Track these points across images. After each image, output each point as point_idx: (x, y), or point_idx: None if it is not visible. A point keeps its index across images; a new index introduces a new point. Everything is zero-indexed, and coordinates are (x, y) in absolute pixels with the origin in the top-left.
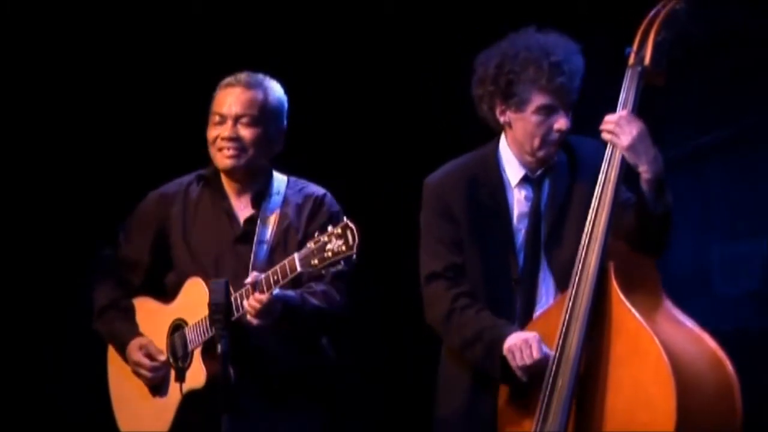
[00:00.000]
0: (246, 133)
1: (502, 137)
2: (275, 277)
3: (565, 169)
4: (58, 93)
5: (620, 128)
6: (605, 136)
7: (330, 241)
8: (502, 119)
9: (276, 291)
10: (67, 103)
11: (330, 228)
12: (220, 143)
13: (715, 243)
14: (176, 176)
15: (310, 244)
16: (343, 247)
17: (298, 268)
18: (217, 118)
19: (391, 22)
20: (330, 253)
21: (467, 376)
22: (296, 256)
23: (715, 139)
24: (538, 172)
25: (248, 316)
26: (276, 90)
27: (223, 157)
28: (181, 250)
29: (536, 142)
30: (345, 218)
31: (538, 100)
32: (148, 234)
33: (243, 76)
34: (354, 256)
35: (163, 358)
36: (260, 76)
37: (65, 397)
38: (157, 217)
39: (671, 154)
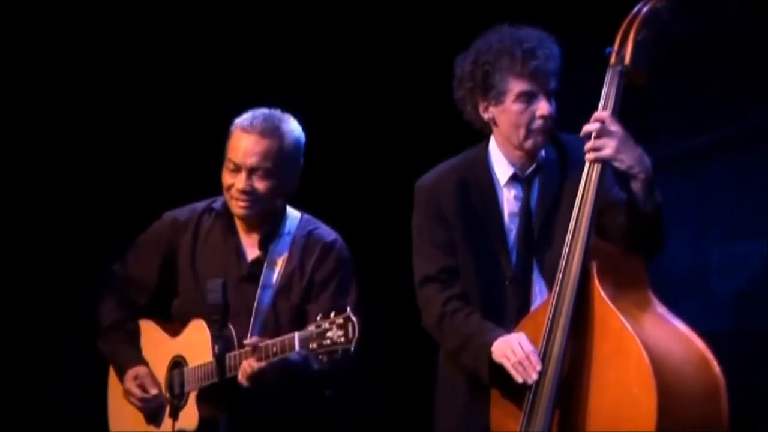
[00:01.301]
0: (261, 185)
1: (492, 137)
2: (274, 350)
3: (555, 166)
4: (63, 102)
5: (600, 141)
6: (589, 156)
7: (331, 329)
8: (486, 116)
9: (276, 361)
10: (70, 110)
11: (332, 315)
12: (234, 193)
13: (714, 243)
14: (179, 188)
15: (312, 328)
16: (342, 339)
17: (297, 348)
18: (231, 166)
19: (389, 23)
20: (329, 341)
21: (464, 377)
22: (297, 336)
23: (714, 139)
24: (528, 171)
25: (240, 377)
26: (292, 132)
27: (236, 207)
28: (188, 279)
29: (521, 132)
30: (348, 309)
31: (516, 87)
32: (157, 257)
33: (259, 121)
34: (351, 350)
35: (155, 392)
36: (276, 118)
37: (65, 397)
38: (168, 241)
39: (670, 155)
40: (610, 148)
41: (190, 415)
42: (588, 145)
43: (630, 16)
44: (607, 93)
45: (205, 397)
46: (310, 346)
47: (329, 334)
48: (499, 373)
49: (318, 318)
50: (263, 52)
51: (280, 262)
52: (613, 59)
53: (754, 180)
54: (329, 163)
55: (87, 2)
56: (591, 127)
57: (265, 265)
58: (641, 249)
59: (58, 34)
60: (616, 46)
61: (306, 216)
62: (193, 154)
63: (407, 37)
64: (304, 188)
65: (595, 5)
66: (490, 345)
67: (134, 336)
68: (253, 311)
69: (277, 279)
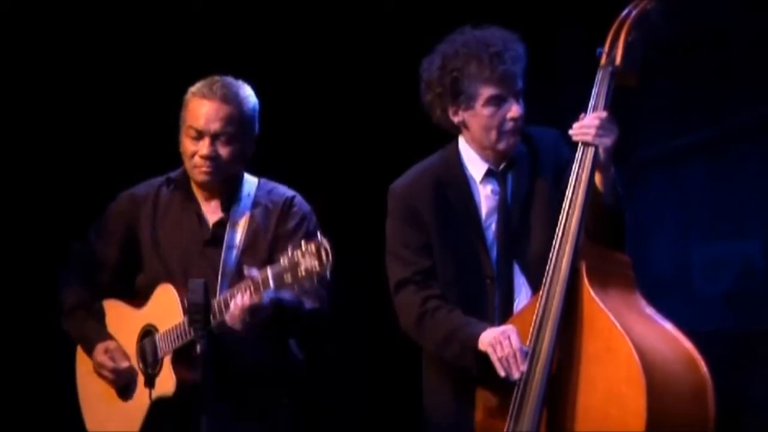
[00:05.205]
0: (224, 151)
1: (461, 136)
2: (248, 291)
3: (526, 160)
4: (34, 93)
5: (604, 130)
6: (585, 138)
7: (304, 258)
8: (456, 120)
9: (271, 294)
10: (44, 103)
11: (303, 245)
12: (197, 160)
13: (696, 244)
14: (155, 175)
15: (284, 261)
16: (317, 267)
17: (271, 285)
18: (193, 133)
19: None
20: (304, 272)
21: (448, 383)
22: (269, 271)
23: (695, 140)
24: (502, 165)
25: (230, 319)
26: (250, 98)
27: (199, 173)
28: (150, 252)
29: (493, 134)
30: (319, 235)
31: (486, 92)
32: (118, 233)
33: (218, 87)
34: (327, 275)
35: (125, 365)
36: (234, 85)
37: (65, 397)
38: (127, 217)
39: (652, 155)
40: (611, 137)
41: (166, 379)
42: (589, 121)
43: (620, 18)
44: (597, 93)
45: (180, 359)
46: (285, 280)
47: (303, 265)
48: (484, 369)
49: (289, 248)
50: (237, 57)
51: (243, 223)
52: (603, 60)
53: (737, 180)
54: (323, 162)
55: None
56: (596, 117)
57: (227, 226)
58: (609, 243)
59: (22, 19)
60: (606, 48)
61: (263, 180)
62: (166, 155)
63: (379, 36)
64: (300, 189)
65: (588, 5)
66: (477, 337)
67: (100, 315)
68: (219, 273)
69: (241, 239)
